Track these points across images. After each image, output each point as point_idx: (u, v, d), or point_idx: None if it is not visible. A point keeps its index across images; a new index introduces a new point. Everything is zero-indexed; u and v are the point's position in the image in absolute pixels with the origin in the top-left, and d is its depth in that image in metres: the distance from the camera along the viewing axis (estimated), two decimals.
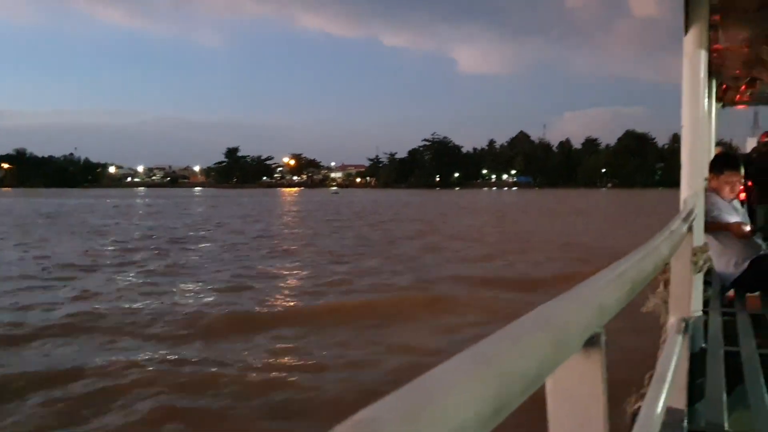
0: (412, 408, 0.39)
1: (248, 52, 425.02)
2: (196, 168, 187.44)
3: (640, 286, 1.09)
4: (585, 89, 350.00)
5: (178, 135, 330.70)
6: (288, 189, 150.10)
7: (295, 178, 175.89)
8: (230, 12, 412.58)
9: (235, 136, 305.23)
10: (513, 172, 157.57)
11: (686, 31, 3.16)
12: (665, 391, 1.66)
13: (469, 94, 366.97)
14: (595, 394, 0.81)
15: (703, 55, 3.17)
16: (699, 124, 3.21)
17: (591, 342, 0.80)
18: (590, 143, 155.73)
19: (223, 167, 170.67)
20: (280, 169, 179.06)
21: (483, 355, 0.51)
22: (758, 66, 5.65)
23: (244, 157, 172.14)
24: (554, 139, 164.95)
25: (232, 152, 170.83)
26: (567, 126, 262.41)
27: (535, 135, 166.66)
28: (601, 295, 0.84)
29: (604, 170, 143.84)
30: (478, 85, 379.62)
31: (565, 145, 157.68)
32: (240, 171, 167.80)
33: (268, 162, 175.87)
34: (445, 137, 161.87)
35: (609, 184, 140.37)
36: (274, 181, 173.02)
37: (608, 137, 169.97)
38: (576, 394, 0.81)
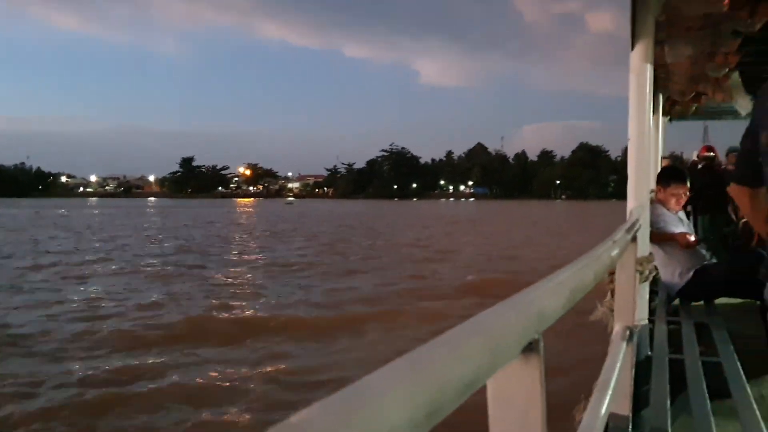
0: (345, 412, 0.39)
1: (207, 61, 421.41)
2: (151, 178, 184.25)
3: (580, 294, 1.11)
4: (543, 103, 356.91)
5: (134, 144, 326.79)
6: (243, 199, 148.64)
7: (251, 188, 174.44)
8: (189, 20, 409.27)
9: (193, 145, 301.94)
10: (470, 183, 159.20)
11: (633, 47, 3.25)
12: (609, 398, 1.69)
13: (430, 107, 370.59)
14: (533, 398, 0.83)
15: (649, 71, 3.27)
16: (645, 137, 3.30)
17: (530, 348, 0.82)
18: (545, 155, 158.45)
19: (178, 177, 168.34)
20: (237, 179, 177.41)
21: (418, 360, 0.52)
22: (702, 81, 5.83)
23: (199, 166, 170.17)
24: (512, 152, 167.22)
25: (187, 162, 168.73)
26: (525, 139, 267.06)
27: (494, 147, 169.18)
28: (539, 302, 0.86)
29: (558, 182, 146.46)
30: (439, 98, 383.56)
31: (520, 157, 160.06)
32: (195, 181, 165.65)
33: (223, 172, 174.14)
34: (403, 148, 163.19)
35: (563, 196, 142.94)
36: (229, 191, 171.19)
37: (564, 150, 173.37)
38: (515, 398, 0.83)
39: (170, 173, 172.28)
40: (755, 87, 6.56)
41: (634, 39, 3.24)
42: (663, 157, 9.44)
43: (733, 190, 2.16)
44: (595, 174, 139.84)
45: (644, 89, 3.25)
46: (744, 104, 6.28)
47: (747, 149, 2.00)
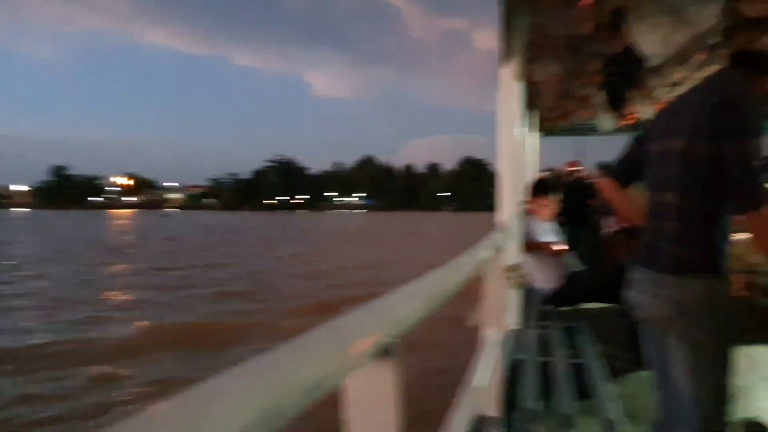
0: (169, 420, 0.39)
1: (85, 66, 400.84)
2: (17, 187, 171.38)
3: (439, 302, 1.14)
4: (432, 117, 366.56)
5: (1, 151, 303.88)
6: (120, 210, 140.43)
7: (130, 199, 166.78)
8: (66, 23, 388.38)
9: (69, 153, 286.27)
10: (359, 194, 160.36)
11: (502, 64, 3.41)
12: (478, 401, 1.75)
13: (321, 118, 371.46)
14: (387, 400, 0.85)
15: (517, 88, 3.44)
16: (514, 152, 3.46)
17: (385, 352, 0.84)
18: (432, 168, 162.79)
19: (49, 187, 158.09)
20: (115, 189, 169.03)
21: (262, 365, 0.52)
22: (570, 99, 6.20)
23: (72, 175, 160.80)
24: (402, 164, 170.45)
25: (58, 170, 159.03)
26: (416, 152, 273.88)
27: (384, 160, 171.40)
28: (396, 308, 0.88)
29: (445, 194, 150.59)
30: (331, 110, 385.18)
31: (408, 169, 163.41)
32: (67, 191, 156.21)
33: (99, 181, 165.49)
34: (290, 158, 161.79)
35: (450, 207, 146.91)
36: (106, 201, 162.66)
37: (452, 163, 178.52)
38: (370, 400, 0.85)
39: (39, 182, 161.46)
40: (618, 106, 7.05)
41: (503, 57, 3.40)
42: (542, 171, 9.92)
43: (603, 182, 2.32)
44: (478, 186, 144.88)
45: (512, 105, 3.41)
46: (607, 122, 6.71)
47: (632, 154, 2.19)
